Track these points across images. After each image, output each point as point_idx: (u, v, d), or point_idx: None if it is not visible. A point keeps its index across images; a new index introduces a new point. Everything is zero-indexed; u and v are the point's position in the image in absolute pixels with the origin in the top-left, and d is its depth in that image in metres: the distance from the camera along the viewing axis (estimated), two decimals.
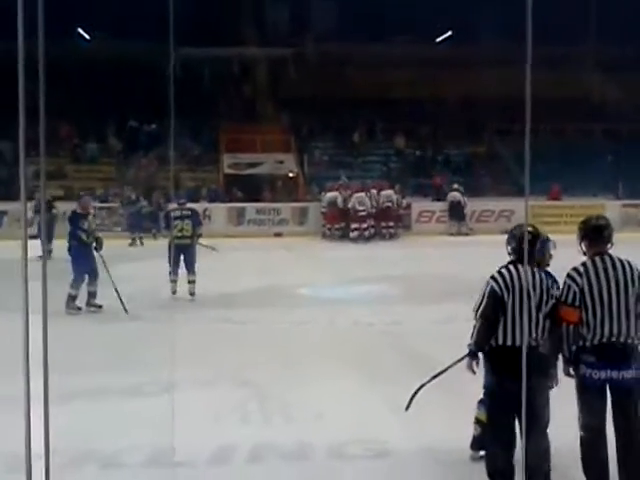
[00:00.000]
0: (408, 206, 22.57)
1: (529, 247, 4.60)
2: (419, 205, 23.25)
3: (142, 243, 19.95)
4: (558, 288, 4.64)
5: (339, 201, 21.17)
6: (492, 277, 4.68)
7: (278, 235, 21.97)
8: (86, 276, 10.66)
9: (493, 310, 4.59)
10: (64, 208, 20.91)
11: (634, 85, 25.16)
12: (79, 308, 10.69)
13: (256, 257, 17.01)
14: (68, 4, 21.91)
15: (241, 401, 6.67)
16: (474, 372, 4.72)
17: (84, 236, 10.67)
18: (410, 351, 8.67)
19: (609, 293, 4.48)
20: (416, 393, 5.20)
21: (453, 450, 5.40)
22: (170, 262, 11.61)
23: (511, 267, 4.67)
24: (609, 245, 4.67)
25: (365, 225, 20.77)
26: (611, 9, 22.27)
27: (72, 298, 10.60)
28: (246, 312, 10.78)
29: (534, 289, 4.55)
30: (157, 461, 5.43)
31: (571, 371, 4.65)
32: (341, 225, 21.22)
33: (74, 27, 27.05)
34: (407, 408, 5.25)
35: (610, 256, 4.61)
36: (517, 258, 4.68)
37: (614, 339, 4.47)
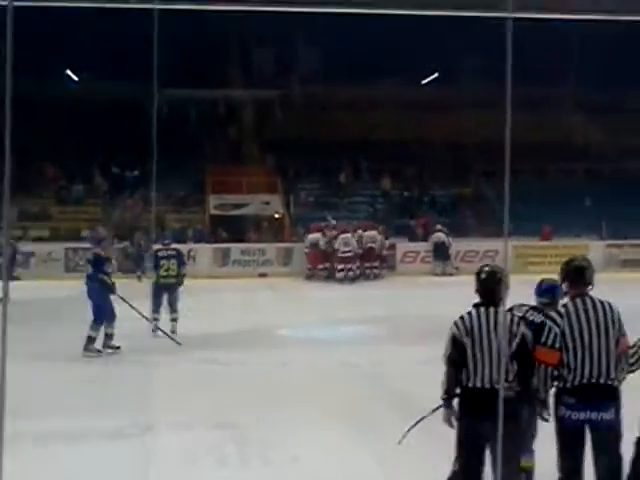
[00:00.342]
0: (392, 246, 22.55)
1: (494, 287, 4.63)
2: (403, 245, 23.27)
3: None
4: (525, 326, 4.64)
5: (321, 242, 21.16)
6: (454, 322, 4.68)
7: (263, 275, 21.91)
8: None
9: (455, 355, 4.60)
10: (48, 249, 21.08)
11: (614, 126, 25.50)
12: (99, 351, 10.49)
13: (240, 298, 16.94)
14: (56, 46, 22.12)
15: (219, 443, 6.57)
16: (452, 425, 4.69)
17: (107, 279, 10.51)
18: (393, 393, 8.61)
19: (590, 334, 4.48)
20: (408, 431, 5.15)
21: None
22: (153, 301, 11.57)
23: (473, 310, 4.66)
24: (590, 287, 4.68)
25: (350, 266, 20.74)
26: (591, 52, 22.64)
27: (91, 340, 10.40)
28: (229, 353, 10.68)
29: (496, 330, 4.52)
30: None
31: (544, 414, 4.64)
32: (325, 266, 21.17)
33: (62, 68, 27.21)
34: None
35: (591, 297, 4.62)
36: (482, 300, 4.69)
37: (594, 380, 4.46)
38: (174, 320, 11.70)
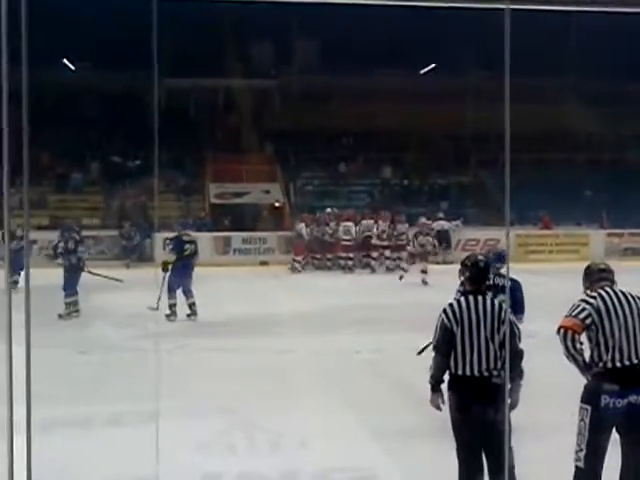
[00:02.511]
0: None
1: (482, 276, 4.72)
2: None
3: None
4: (511, 313, 4.71)
5: (304, 232, 20.92)
6: (443, 310, 4.76)
7: (264, 264, 21.97)
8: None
9: (444, 343, 4.68)
10: (50, 237, 21.02)
11: (614, 116, 25.48)
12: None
13: (242, 286, 17.00)
14: (53, 34, 22.06)
15: (226, 430, 6.65)
16: (439, 408, 4.77)
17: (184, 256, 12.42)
18: (395, 379, 8.68)
19: (624, 314, 4.56)
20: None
21: (438, 478, 5.39)
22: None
23: (462, 298, 4.75)
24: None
25: (350, 254, 20.65)
26: (591, 42, 22.58)
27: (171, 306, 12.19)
28: (232, 341, 10.76)
29: (485, 318, 4.61)
30: None
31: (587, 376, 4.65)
32: (304, 256, 20.89)
33: (59, 57, 27.13)
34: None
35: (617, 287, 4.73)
36: (470, 288, 4.76)
37: (635, 360, 4.54)
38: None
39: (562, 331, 4.56)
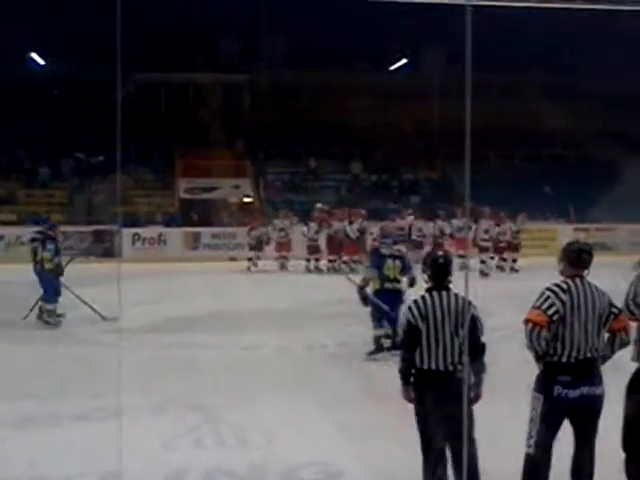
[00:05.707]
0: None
1: (443, 272, 4.83)
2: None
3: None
4: (475, 308, 4.78)
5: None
6: (408, 307, 4.85)
7: (233, 259, 21.93)
8: None
9: (409, 339, 4.76)
10: (17, 232, 20.84)
11: (579, 112, 25.77)
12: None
13: (211, 281, 16.98)
14: (21, 29, 21.81)
15: (194, 426, 6.64)
16: (410, 401, 4.84)
17: None
18: (361, 373, 8.76)
19: (586, 311, 4.62)
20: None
21: (406, 471, 5.44)
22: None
23: (426, 295, 4.82)
24: (586, 271, 4.79)
25: (317, 255, 19.87)
26: (556, 38, 22.79)
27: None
28: (200, 336, 10.75)
29: (449, 314, 4.70)
30: None
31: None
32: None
33: (27, 51, 26.83)
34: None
35: (587, 280, 4.76)
36: (433, 284, 4.85)
37: (589, 355, 4.61)
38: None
39: (530, 325, 4.62)
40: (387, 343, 9.25)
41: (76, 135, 26.11)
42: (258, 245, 20.12)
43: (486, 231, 19.17)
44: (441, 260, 4.95)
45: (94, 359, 9.16)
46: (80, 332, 11.15)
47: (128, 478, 5.43)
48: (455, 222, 19.79)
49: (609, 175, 24.33)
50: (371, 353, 9.25)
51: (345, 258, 19.62)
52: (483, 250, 18.93)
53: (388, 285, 9.29)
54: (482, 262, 18.58)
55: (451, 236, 19.68)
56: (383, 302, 9.18)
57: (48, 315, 11.53)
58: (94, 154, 25.86)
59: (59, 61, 26.81)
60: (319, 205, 21.84)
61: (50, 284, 11.59)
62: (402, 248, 10.49)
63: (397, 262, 9.35)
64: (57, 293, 11.71)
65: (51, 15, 20.97)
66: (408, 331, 4.76)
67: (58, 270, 11.67)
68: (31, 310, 11.71)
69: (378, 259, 9.47)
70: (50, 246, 11.65)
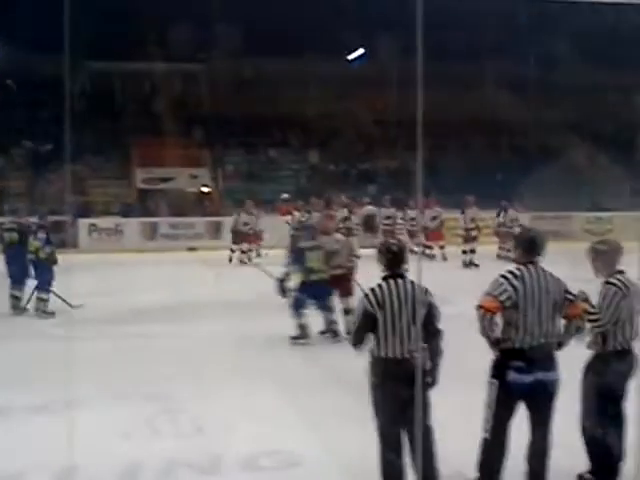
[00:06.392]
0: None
1: (397, 259, 4.89)
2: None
3: None
4: (431, 295, 4.84)
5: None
6: (365, 295, 4.88)
7: (192, 249, 21.82)
8: None
9: (363, 327, 4.79)
10: None
11: (537, 102, 26.08)
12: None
13: (169, 271, 16.87)
14: None
15: (150, 416, 6.61)
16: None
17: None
18: (321, 361, 8.80)
19: (540, 297, 4.69)
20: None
21: (366, 458, 5.47)
22: None
23: (383, 283, 4.85)
24: (539, 257, 4.88)
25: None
26: (513, 28, 23.01)
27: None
28: (157, 326, 10.72)
29: (406, 301, 4.74)
30: None
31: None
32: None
33: None
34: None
35: (541, 267, 4.83)
36: (388, 272, 4.89)
37: (542, 340, 4.69)
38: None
39: (482, 311, 4.71)
40: (335, 327, 9.62)
41: (28, 125, 25.65)
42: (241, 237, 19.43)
43: (472, 220, 18.87)
44: (394, 248, 4.99)
45: (47, 350, 9.00)
46: (34, 324, 11.03)
47: (84, 471, 5.40)
48: (428, 212, 19.33)
49: (566, 165, 24.71)
50: (295, 338, 9.54)
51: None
52: (470, 240, 18.57)
53: (314, 277, 9.57)
54: (472, 252, 18.28)
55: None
56: (312, 294, 9.51)
57: (44, 305, 11.53)
58: (42, 143, 25.43)
59: (12, 50, 26.34)
60: (285, 195, 21.79)
61: (44, 273, 11.58)
62: (340, 237, 10.54)
63: (319, 253, 9.66)
64: (50, 283, 11.67)
65: (2, 3, 20.62)
66: (363, 319, 4.79)
67: (52, 258, 11.67)
68: (28, 301, 11.72)
69: (298, 253, 9.75)
70: (41, 235, 11.65)
